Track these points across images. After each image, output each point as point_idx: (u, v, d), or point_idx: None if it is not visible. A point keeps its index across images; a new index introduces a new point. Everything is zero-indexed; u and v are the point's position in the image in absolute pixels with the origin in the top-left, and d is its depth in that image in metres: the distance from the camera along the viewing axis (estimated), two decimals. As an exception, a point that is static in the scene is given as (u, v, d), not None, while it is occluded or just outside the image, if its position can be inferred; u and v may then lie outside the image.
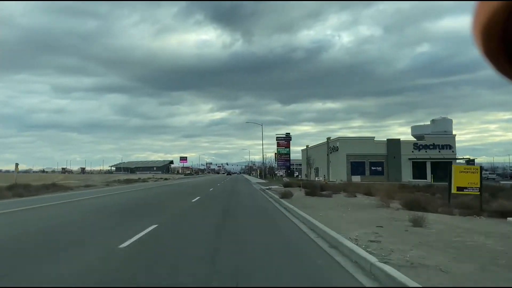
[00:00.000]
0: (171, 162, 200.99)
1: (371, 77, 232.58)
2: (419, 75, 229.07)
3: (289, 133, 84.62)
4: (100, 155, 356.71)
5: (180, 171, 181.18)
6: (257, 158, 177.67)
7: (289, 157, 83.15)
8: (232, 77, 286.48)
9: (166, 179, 77.01)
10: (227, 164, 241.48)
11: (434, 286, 4.53)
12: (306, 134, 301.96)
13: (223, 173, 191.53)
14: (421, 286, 4.44)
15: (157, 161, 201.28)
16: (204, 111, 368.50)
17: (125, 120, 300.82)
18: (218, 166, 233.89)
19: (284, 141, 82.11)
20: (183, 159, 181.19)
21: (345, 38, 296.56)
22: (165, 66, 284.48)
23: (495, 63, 0.75)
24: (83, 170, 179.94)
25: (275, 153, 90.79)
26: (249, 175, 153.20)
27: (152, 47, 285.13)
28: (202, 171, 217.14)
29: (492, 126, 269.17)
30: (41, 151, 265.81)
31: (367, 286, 5.06)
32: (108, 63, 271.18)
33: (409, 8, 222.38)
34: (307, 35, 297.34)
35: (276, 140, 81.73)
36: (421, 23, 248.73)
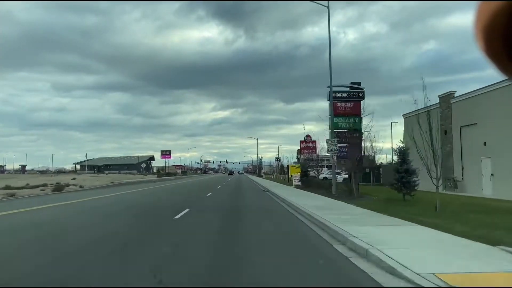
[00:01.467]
0: (151, 158, 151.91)
1: (376, 75, 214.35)
2: (424, 73, 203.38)
3: (358, 84, 31.04)
4: (102, 154, 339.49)
5: (160, 170, 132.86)
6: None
7: (361, 135, 29.13)
8: (235, 75, 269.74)
9: (56, 188, 28.35)
10: (226, 161, 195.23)
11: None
12: (309, 134, 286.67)
13: (224, 173, 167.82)
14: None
15: (133, 157, 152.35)
16: (206, 110, 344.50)
17: (127, 119, 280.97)
18: (218, 165, 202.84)
19: (349, 102, 28.18)
20: (166, 154, 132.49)
21: (351, 35, 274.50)
22: (167, 63, 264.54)
23: (497, 62, 0.74)
24: (23, 169, 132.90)
25: (305, 137, 41.78)
26: (260, 176, 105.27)
27: (154, 44, 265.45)
28: (202, 170, 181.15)
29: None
30: (44, 150, 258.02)
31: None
32: (109, 60, 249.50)
33: (416, 4, 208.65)
34: (311, 32, 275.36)
35: (335, 99, 27.77)
36: (428, 20, 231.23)
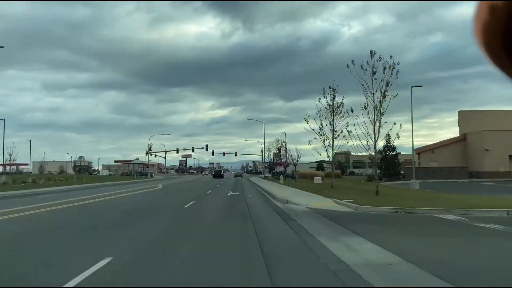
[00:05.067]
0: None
1: (378, 70, 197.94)
2: (428, 68, 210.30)
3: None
4: (99, 155, 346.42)
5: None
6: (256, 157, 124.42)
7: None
8: (234, 71, 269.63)
9: None
10: (205, 148, 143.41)
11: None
12: (308, 133, 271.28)
13: (206, 174, 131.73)
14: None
15: None
16: (204, 108, 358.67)
17: (123, 119, 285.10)
18: (211, 163, 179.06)
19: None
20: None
21: (354, 28, 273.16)
22: (162, 60, 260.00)
23: (495, 60, 0.74)
24: None
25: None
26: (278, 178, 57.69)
27: (149, 39, 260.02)
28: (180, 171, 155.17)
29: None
30: (39, 151, 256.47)
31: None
32: (102, 56, 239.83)
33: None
34: (313, 24, 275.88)
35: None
36: (435, 10, 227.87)
